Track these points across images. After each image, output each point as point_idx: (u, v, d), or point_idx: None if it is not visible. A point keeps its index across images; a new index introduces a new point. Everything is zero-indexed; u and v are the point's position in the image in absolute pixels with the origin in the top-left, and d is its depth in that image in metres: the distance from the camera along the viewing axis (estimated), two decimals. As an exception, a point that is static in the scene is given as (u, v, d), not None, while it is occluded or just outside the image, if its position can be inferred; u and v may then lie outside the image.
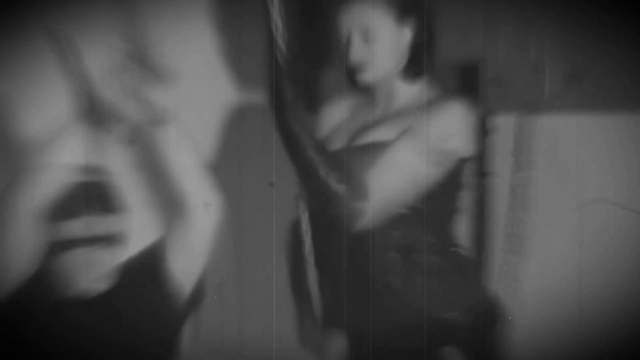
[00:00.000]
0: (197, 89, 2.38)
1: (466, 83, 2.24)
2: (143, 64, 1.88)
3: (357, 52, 2.09)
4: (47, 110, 1.97)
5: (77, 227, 1.93)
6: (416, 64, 2.13)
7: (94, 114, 1.84)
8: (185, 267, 2.04)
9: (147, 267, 2.03)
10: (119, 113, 1.84)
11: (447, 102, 2.08)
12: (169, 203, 2.02)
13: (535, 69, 2.44)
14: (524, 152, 2.41)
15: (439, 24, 2.14)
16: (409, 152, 2.05)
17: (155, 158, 1.97)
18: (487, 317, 2.19)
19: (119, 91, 1.82)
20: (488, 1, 2.44)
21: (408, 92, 2.17)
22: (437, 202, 2.13)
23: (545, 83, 2.47)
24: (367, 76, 2.12)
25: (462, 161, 2.13)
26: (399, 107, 2.16)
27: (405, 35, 2.11)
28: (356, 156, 2.10)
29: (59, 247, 1.93)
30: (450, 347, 2.13)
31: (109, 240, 1.97)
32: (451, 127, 2.07)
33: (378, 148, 2.08)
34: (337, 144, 2.19)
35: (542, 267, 2.53)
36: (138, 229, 2.06)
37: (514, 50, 2.46)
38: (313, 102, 2.29)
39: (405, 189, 2.08)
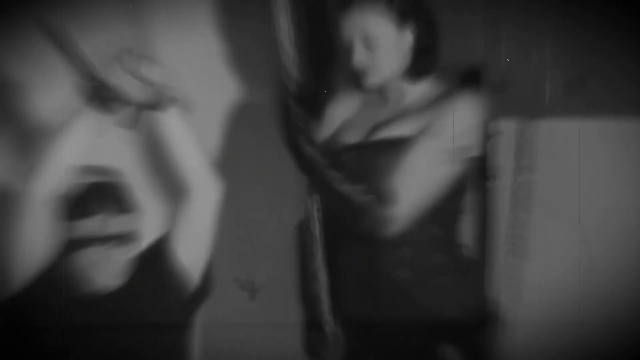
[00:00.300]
0: (201, 87, 2.39)
1: (468, 86, 2.25)
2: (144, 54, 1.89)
3: (359, 57, 2.12)
4: (56, 96, 1.97)
5: (92, 225, 1.97)
6: (419, 65, 2.16)
7: (100, 97, 1.85)
8: (192, 256, 2.07)
9: (157, 260, 2.07)
10: (124, 96, 1.85)
11: (456, 100, 2.11)
12: (173, 190, 2.05)
13: (537, 74, 2.46)
14: (526, 156, 2.43)
15: (441, 27, 2.17)
16: (428, 152, 2.08)
17: (159, 144, 2.00)
18: (489, 316, 2.24)
19: (121, 74, 1.83)
20: (490, 5, 2.42)
21: (414, 92, 2.19)
22: (445, 201, 2.15)
23: (547, 88, 2.49)
24: (371, 80, 2.15)
25: (471, 161, 2.16)
26: (408, 106, 2.18)
27: (407, 38, 2.13)
28: (374, 155, 2.12)
29: (74, 245, 1.97)
30: (451, 346, 2.16)
31: (122, 238, 2.00)
32: (465, 125, 2.10)
33: (396, 145, 2.10)
34: (351, 139, 2.21)
35: (544, 267, 2.52)
36: (150, 227, 2.09)
37: (515, 55, 2.45)
38: (321, 102, 2.30)
39: (428, 189, 2.10)
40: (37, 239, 1.93)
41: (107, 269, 1.99)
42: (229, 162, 2.49)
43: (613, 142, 2.53)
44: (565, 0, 2.43)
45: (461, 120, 2.10)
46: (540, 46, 2.44)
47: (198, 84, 2.31)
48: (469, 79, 2.27)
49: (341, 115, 2.27)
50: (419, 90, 2.18)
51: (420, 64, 2.16)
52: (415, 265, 2.14)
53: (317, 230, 2.15)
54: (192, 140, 2.00)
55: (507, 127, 2.41)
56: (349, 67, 2.15)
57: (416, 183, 2.07)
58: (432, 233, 2.15)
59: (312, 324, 2.24)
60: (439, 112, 2.10)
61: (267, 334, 2.60)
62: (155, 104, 1.89)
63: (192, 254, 2.06)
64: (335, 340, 2.20)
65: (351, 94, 2.26)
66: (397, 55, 2.13)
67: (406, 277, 2.13)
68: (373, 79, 2.14)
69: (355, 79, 2.17)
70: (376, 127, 2.17)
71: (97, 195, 1.99)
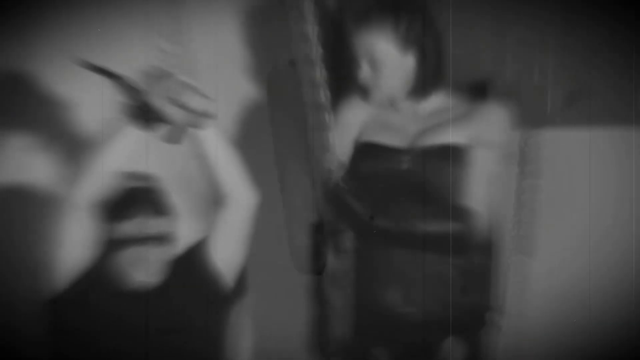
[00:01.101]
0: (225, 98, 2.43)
1: (475, 99, 2.30)
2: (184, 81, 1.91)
3: (364, 75, 2.20)
4: (100, 112, 2.02)
5: (131, 227, 2.05)
6: (425, 84, 2.22)
7: (142, 116, 1.91)
8: (227, 259, 2.14)
9: (193, 262, 2.14)
10: (166, 116, 1.89)
11: (489, 110, 2.18)
12: (210, 198, 2.11)
13: (540, 87, 2.53)
14: (529, 162, 2.50)
15: (448, 44, 2.22)
16: (486, 161, 2.14)
17: (198, 156, 2.07)
18: (493, 315, 2.29)
19: (159, 96, 1.87)
20: (495, 24, 2.53)
21: (426, 105, 2.25)
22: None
23: (548, 99, 2.54)
24: (376, 97, 2.23)
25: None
26: (441, 116, 2.23)
27: (410, 61, 2.18)
28: (430, 163, 2.17)
29: (114, 245, 2.05)
30: (455, 343, 2.22)
31: (159, 239, 2.08)
32: (505, 133, 2.17)
33: (449, 153, 2.16)
34: (388, 142, 2.24)
35: (548, 268, 2.60)
36: (185, 229, 2.17)
37: (519, 69, 2.54)
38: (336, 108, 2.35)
39: (494, 197, 2.16)
40: (80, 240, 2.02)
41: (145, 268, 2.07)
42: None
43: (615, 148, 2.60)
44: (568, 6, 2.51)
45: (503, 129, 2.17)
46: (543, 60, 2.52)
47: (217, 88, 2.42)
48: (475, 93, 2.33)
49: (357, 119, 2.32)
50: (431, 104, 2.25)
51: (426, 83, 2.22)
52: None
53: (328, 230, 2.21)
54: (230, 153, 2.09)
55: (512, 136, 2.51)
56: (356, 81, 2.24)
57: (484, 193, 2.14)
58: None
59: (321, 323, 2.29)
60: (479, 122, 2.17)
61: (276, 333, 2.72)
62: (195, 123, 1.95)
63: (227, 258, 2.15)
64: (342, 339, 2.25)
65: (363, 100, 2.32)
66: (400, 77, 2.20)
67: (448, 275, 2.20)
68: (378, 96, 2.23)
69: (363, 93, 2.26)
70: (419, 134, 2.22)
71: (136, 199, 2.08)
